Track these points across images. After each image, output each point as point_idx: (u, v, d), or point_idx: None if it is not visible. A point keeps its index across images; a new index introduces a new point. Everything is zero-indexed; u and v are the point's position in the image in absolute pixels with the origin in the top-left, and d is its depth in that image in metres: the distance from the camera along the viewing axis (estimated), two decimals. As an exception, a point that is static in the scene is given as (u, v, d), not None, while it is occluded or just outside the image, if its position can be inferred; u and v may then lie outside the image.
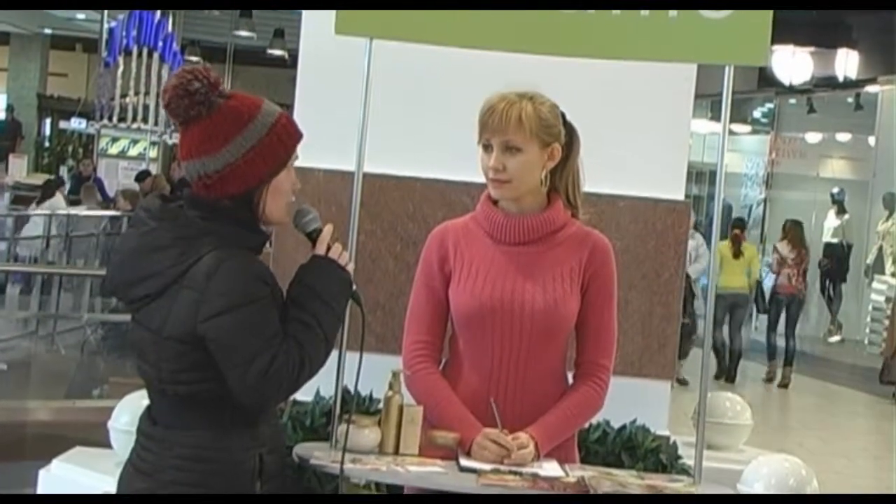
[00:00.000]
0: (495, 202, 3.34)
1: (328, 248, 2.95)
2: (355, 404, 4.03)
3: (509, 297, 3.25)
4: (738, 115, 20.05)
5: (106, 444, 4.33)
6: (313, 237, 2.99)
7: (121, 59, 20.50)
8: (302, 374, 2.78)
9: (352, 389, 4.02)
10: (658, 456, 4.11)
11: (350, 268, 2.98)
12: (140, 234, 2.81)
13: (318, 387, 3.98)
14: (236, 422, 2.83)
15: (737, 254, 13.02)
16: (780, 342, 13.49)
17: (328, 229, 2.99)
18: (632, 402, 4.13)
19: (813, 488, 3.89)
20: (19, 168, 22.75)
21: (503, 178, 3.24)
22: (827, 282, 17.71)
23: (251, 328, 2.73)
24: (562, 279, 3.28)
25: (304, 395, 3.73)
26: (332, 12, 3.56)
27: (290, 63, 20.27)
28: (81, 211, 15.23)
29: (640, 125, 4.44)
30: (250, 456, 2.85)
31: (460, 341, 3.34)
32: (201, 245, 2.75)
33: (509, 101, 3.23)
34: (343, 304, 2.98)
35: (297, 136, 2.90)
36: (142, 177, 17.40)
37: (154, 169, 20.76)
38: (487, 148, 3.25)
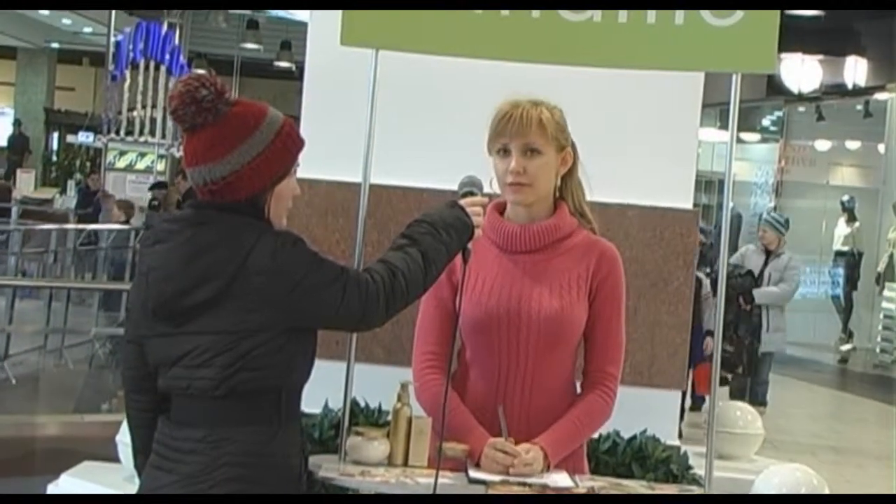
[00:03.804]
0: (501, 212, 3.35)
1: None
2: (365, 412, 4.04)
3: (516, 304, 3.26)
4: (747, 123, 20.04)
5: (114, 459, 4.33)
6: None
7: (128, 73, 20.54)
8: (396, 284, 2.91)
9: (361, 402, 4.04)
10: (669, 466, 4.10)
11: (478, 222, 3.12)
12: (180, 243, 2.83)
13: (327, 399, 3.98)
14: (290, 416, 2.90)
15: None
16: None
17: (479, 199, 3.18)
18: (642, 411, 4.12)
19: (825, 498, 3.87)
20: (27, 183, 22.82)
21: (524, 182, 3.25)
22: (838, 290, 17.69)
23: (331, 265, 2.88)
24: (569, 287, 3.28)
25: (312, 407, 3.73)
26: (338, 24, 3.56)
27: (298, 75, 20.29)
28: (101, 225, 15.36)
29: (647, 134, 4.44)
30: (298, 452, 2.94)
31: (468, 350, 3.34)
32: (244, 238, 2.80)
33: (525, 107, 3.25)
34: (452, 237, 3.06)
35: (300, 143, 2.95)
36: (157, 187, 17.39)
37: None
38: (504, 153, 3.26)
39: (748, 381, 10.29)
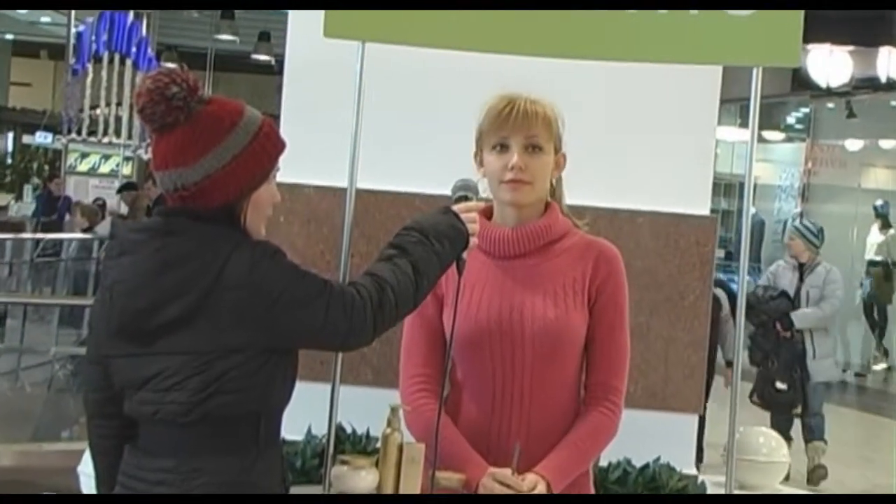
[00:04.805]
0: (488, 217, 3.35)
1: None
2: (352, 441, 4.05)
3: (507, 315, 3.25)
4: (771, 121, 20.03)
5: (75, 491, 4.33)
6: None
7: (90, 67, 20.53)
8: (384, 298, 2.90)
9: (347, 427, 4.04)
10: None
11: (473, 229, 3.12)
12: (148, 254, 2.83)
13: (310, 424, 3.99)
14: (269, 443, 2.90)
15: None
16: None
17: (475, 204, 3.21)
18: (655, 437, 4.13)
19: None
20: (-22, 188, 22.85)
21: (525, 179, 3.25)
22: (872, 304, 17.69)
23: (313, 279, 2.86)
24: (565, 292, 3.27)
25: (293, 433, 3.74)
26: (321, 13, 3.57)
27: (278, 69, 20.32)
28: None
29: (660, 133, 4.45)
30: (278, 483, 2.95)
31: (459, 370, 3.34)
32: (219, 249, 2.79)
33: (525, 100, 3.27)
34: (445, 246, 3.06)
35: (280, 145, 2.93)
36: (126, 188, 17.38)
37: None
38: (502, 148, 3.26)
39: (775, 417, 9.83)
